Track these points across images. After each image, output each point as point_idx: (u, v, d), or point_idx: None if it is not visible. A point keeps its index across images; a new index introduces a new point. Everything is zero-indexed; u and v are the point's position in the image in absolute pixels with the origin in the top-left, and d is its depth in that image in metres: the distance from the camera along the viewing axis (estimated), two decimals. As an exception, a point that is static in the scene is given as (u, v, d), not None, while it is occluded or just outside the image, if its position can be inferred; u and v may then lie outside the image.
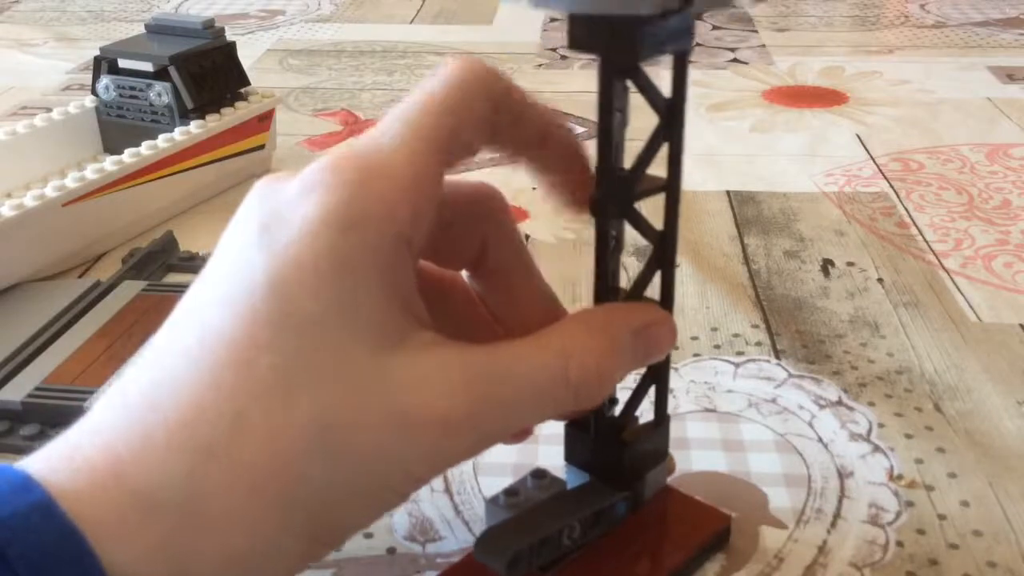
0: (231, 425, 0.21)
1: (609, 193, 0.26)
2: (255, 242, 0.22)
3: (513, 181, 0.49)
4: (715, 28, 0.94)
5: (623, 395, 0.30)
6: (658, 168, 0.27)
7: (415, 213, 0.23)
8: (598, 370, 0.25)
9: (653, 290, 0.28)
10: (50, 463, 0.21)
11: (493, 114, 0.25)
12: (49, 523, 0.20)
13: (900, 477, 0.35)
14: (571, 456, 0.31)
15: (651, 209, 0.27)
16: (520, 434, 0.31)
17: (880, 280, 0.49)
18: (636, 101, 0.26)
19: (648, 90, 0.25)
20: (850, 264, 0.50)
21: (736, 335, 0.44)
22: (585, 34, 0.24)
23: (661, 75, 0.26)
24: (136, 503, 0.21)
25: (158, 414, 0.21)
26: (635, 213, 0.27)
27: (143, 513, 0.21)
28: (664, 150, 0.26)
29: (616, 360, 0.25)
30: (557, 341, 0.25)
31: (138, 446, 0.21)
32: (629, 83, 0.25)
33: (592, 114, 0.25)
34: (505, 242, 0.28)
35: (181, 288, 0.46)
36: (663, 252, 0.28)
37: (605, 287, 0.28)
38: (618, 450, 0.30)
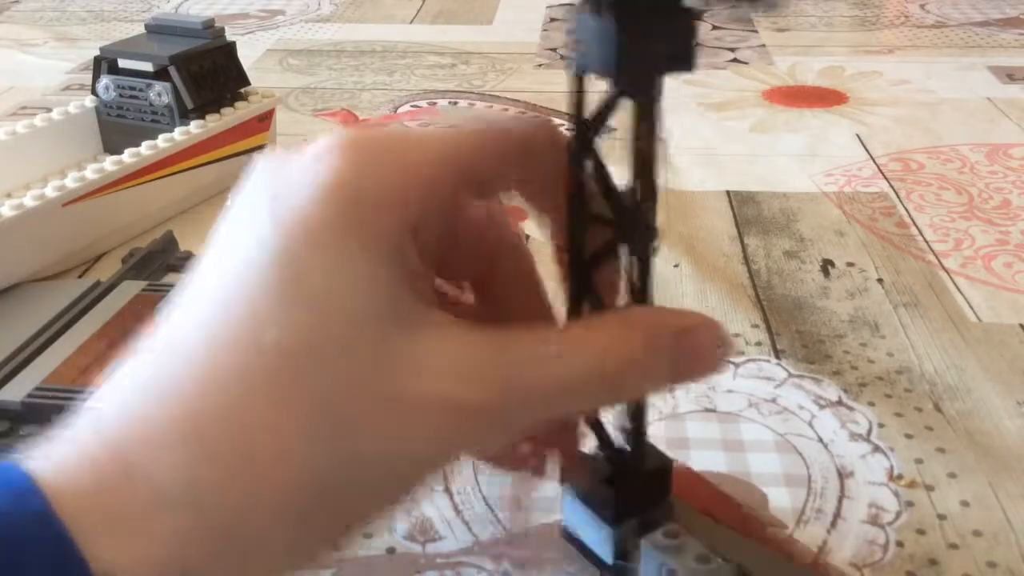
0: (234, 414, 0.20)
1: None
2: (263, 213, 0.22)
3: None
4: (715, 28, 0.94)
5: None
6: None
7: (424, 206, 0.22)
8: (631, 365, 0.23)
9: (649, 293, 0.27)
10: (53, 462, 0.21)
11: (546, 172, 0.25)
12: (48, 533, 0.19)
13: (900, 477, 0.35)
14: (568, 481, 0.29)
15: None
16: (529, 463, 0.28)
17: (880, 280, 0.49)
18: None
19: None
20: (850, 264, 0.50)
21: (736, 335, 0.44)
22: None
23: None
24: (139, 505, 0.20)
25: (162, 408, 0.21)
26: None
27: (146, 515, 0.20)
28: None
29: (653, 360, 0.24)
30: (596, 332, 0.23)
31: (141, 444, 0.20)
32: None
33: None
34: (515, 260, 0.27)
35: (181, 288, 0.46)
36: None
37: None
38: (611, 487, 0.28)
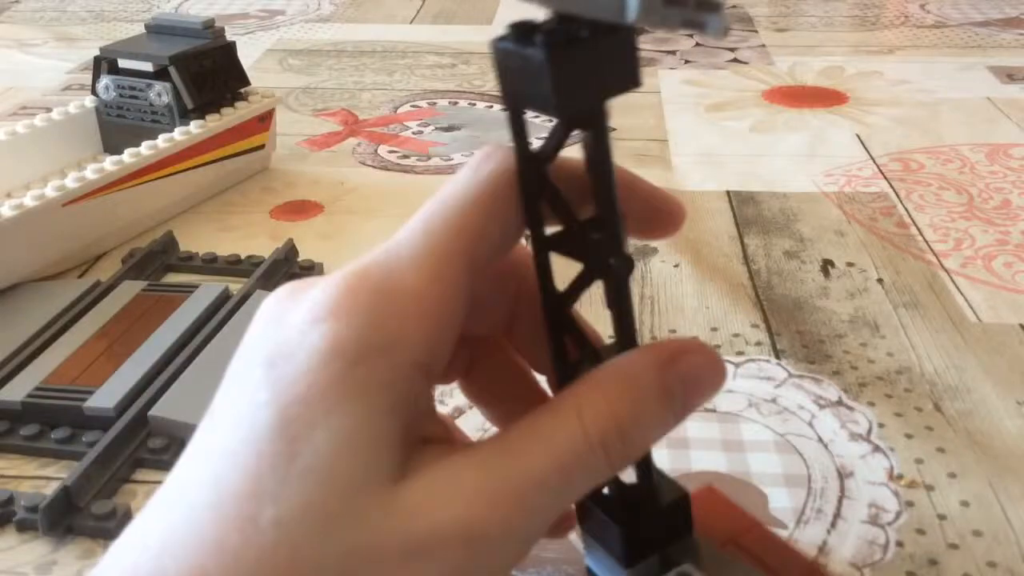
0: None
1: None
2: (261, 379, 0.21)
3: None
4: (715, 28, 0.94)
5: None
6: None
7: (434, 338, 0.22)
8: (616, 420, 0.22)
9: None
10: None
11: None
12: None
13: (900, 477, 0.35)
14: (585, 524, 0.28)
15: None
16: (559, 529, 0.28)
17: (880, 280, 0.49)
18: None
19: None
20: (850, 264, 0.50)
21: (736, 335, 0.44)
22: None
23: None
24: None
25: None
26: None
27: None
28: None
29: (639, 406, 0.22)
30: (568, 400, 0.22)
31: None
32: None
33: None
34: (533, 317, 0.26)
35: (181, 288, 0.46)
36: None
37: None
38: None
